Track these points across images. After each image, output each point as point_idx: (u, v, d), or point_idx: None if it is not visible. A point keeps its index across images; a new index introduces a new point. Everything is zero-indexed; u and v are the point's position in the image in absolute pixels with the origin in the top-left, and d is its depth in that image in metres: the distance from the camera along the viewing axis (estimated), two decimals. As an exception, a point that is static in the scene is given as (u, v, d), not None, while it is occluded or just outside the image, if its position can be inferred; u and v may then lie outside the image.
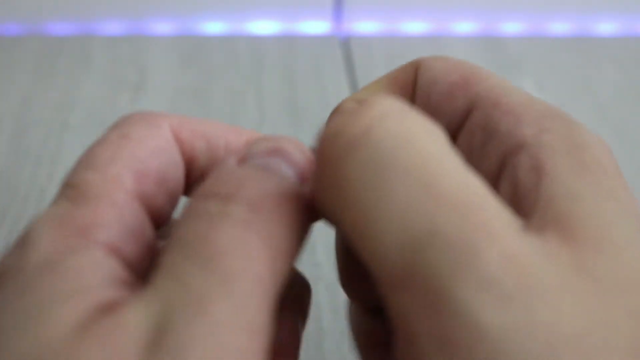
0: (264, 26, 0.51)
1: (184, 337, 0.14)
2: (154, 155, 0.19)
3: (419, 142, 0.14)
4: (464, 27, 0.53)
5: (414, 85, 0.22)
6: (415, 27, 0.52)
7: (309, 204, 0.18)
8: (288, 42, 0.50)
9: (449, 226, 0.13)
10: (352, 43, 0.50)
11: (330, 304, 0.33)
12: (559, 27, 0.53)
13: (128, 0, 0.50)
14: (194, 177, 0.21)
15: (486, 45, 0.51)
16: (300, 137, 0.42)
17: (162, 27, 0.51)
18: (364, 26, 0.52)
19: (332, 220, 0.17)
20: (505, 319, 0.13)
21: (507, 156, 0.18)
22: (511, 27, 0.53)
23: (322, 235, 0.36)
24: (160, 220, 0.19)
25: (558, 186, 0.16)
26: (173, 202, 0.20)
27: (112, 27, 0.50)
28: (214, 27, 0.51)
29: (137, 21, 0.51)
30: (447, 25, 0.52)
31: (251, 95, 0.45)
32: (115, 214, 0.17)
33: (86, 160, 0.18)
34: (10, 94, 0.44)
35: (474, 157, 0.19)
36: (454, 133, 0.20)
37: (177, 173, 0.20)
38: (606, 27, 0.53)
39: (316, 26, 0.52)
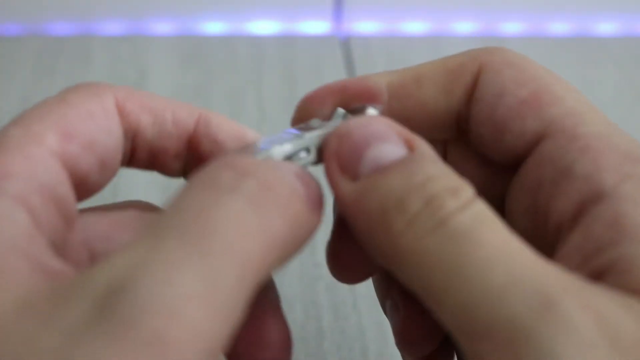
0: (264, 26, 0.51)
1: (138, 303, 0.13)
2: (85, 119, 0.19)
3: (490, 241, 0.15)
4: (464, 27, 0.53)
5: (473, 85, 0.20)
6: (415, 27, 0.52)
7: (319, 208, 0.18)
8: (288, 42, 0.50)
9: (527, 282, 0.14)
10: (352, 43, 0.50)
11: (330, 304, 0.33)
12: (559, 27, 0.53)
13: (128, 0, 0.50)
14: (141, 150, 0.21)
15: (486, 45, 0.51)
16: (300, 137, 0.42)
17: (162, 27, 0.51)
18: (364, 26, 0.52)
19: (393, 271, 0.17)
20: None
21: (585, 204, 0.17)
22: (511, 27, 0.53)
23: (322, 235, 0.36)
24: (86, 187, 0.19)
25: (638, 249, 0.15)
26: (105, 171, 0.20)
27: (112, 27, 0.50)
28: (214, 27, 0.51)
29: (137, 21, 0.51)
30: (447, 25, 0.52)
31: (251, 95, 0.45)
32: (27, 167, 0.17)
33: (17, 118, 0.18)
34: (10, 93, 0.44)
35: (543, 192, 0.18)
36: (520, 155, 0.19)
37: (110, 141, 0.19)
38: (606, 27, 0.53)
39: (316, 26, 0.52)
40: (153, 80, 0.46)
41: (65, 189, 0.18)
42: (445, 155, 0.22)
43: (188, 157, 0.22)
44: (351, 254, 0.20)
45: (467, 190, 0.16)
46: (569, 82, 0.20)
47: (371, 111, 0.21)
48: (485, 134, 0.20)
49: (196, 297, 0.13)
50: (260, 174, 0.16)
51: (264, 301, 0.20)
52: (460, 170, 0.18)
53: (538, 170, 0.18)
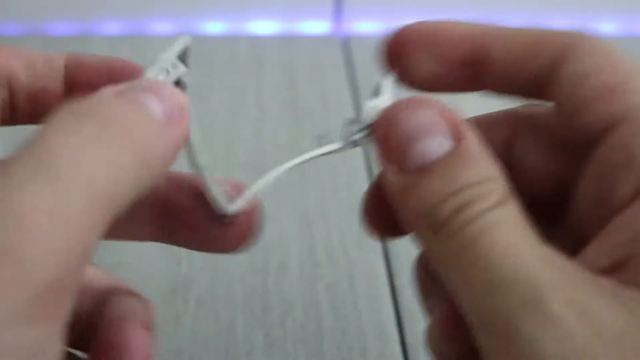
0: (264, 26, 0.51)
1: None
2: None
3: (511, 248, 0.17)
4: (464, 27, 0.53)
5: (561, 57, 0.21)
6: (415, 27, 0.52)
7: (179, 119, 0.19)
8: (288, 42, 0.50)
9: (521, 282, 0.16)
10: (352, 43, 0.50)
11: (330, 304, 0.33)
12: (559, 27, 0.53)
13: (128, 0, 0.50)
14: (20, 97, 0.22)
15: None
16: (300, 137, 0.42)
17: (162, 27, 0.51)
18: (364, 26, 0.52)
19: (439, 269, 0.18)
20: (564, 352, 0.15)
21: (638, 194, 0.17)
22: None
23: (322, 235, 0.36)
24: None
25: None
26: None
27: (112, 27, 0.50)
28: (214, 27, 0.51)
29: (137, 21, 0.50)
30: (447, 25, 0.52)
31: (251, 95, 0.45)
32: None
33: None
34: (10, 94, 0.44)
35: (608, 178, 0.19)
36: (592, 139, 0.19)
37: None
38: (606, 27, 0.53)
39: (316, 26, 0.52)
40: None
41: None
42: (515, 134, 0.23)
43: (67, 97, 0.22)
44: (383, 213, 0.21)
45: (497, 192, 0.17)
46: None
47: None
48: (564, 110, 0.20)
49: (47, 212, 0.14)
50: (98, 114, 0.17)
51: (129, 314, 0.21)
52: (528, 150, 0.20)
53: (606, 156, 0.19)
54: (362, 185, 0.39)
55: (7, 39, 0.49)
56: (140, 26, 0.51)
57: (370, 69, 0.50)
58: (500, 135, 0.22)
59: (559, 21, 0.53)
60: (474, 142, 0.18)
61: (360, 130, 0.20)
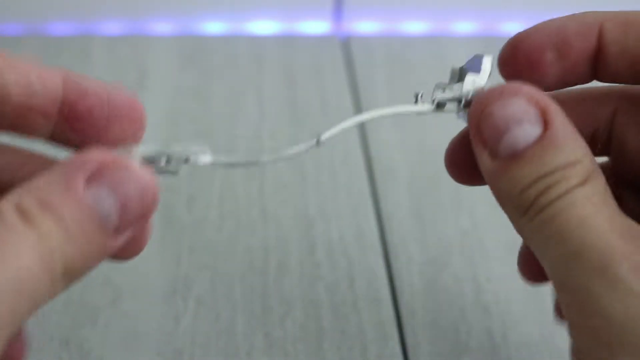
0: (264, 26, 0.51)
1: None
2: None
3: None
4: (464, 27, 0.53)
5: None
6: (415, 27, 0.52)
7: (118, 232, 0.19)
8: (288, 42, 0.50)
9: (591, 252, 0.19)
10: (352, 43, 0.50)
11: (330, 304, 0.33)
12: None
13: (128, 0, 0.50)
14: (4, 106, 0.21)
15: (486, 45, 0.51)
16: (300, 137, 0.42)
17: (162, 27, 0.51)
18: (364, 26, 0.52)
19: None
20: (629, 311, 0.18)
21: None
22: (511, 27, 0.53)
23: (322, 235, 0.36)
24: None
25: None
26: None
27: (112, 27, 0.50)
28: (214, 27, 0.51)
29: (137, 21, 0.51)
30: (447, 25, 0.52)
31: (251, 95, 0.45)
32: None
33: None
34: (10, 94, 0.44)
35: None
36: None
37: None
38: (606, 27, 0.53)
39: (316, 26, 0.52)
40: (153, 80, 0.46)
41: None
42: (619, 110, 0.24)
43: (60, 122, 0.21)
44: (467, 163, 0.23)
45: (580, 174, 0.20)
46: None
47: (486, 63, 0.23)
48: None
49: None
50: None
51: None
52: (629, 128, 0.23)
53: None
54: (362, 185, 0.39)
55: (7, 39, 0.49)
56: (140, 26, 0.51)
57: (370, 69, 0.50)
58: (606, 111, 0.24)
59: (559, 21, 0.53)
60: (560, 128, 0.20)
61: (454, 99, 0.23)
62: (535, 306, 0.33)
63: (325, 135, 0.22)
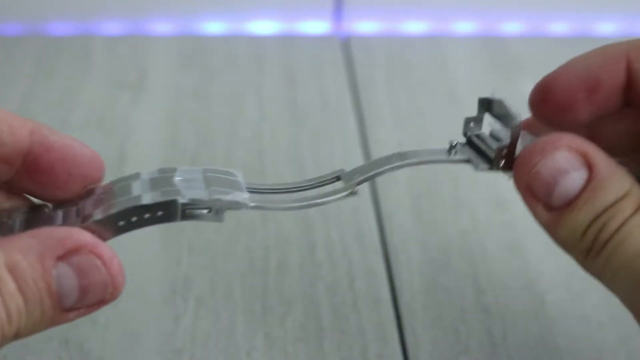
0: (264, 26, 0.51)
1: None
2: None
3: None
4: (464, 27, 0.53)
5: None
6: (415, 27, 0.52)
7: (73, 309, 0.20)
8: (288, 42, 0.50)
9: None
10: (352, 43, 0.50)
11: (330, 304, 0.33)
12: (559, 27, 0.53)
13: (128, 0, 0.50)
14: None
15: (486, 45, 0.51)
16: (300, 137, 0.42)
17: (162, 27, 0.51)
18: (364, 26, 0.52)
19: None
20: None
21: None
22: (511, 27, 0.53)
23: (322, 235, 0.36)
24: None
25: None
26: None
27: (112, 27, 0.50)
28: (214, 27, 0.51)
29: (137, 21, 0.51)
30: (447, 25, 0.52)
31: (251, 95, 0.45)
32: None
33: None
34: (11, 94, 0.44)
35: None
36: None
37: None
38: (606, 27, 0.53)
39: (316, 26, 0.52)
40: (153, 80, 0.46)
41: None
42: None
43: (21, 171, 0.22)
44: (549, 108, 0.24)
45: (631, 203, 0.21)
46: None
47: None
48: None
49: None
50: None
51: None
52: None
53: None
54: (362, 185, 0.39)
55: (7, 39, 0.49)
56: (140, 26, 0.51)
57: (370, 69, 0.50)
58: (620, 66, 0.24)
59: (559, 21, 0.53)
60: (604, 167, 0.21)
61: (489, 152, 0.24)
62: (535, 306, 0.33)
63: (358, 186, 0.24)
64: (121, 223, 0.21)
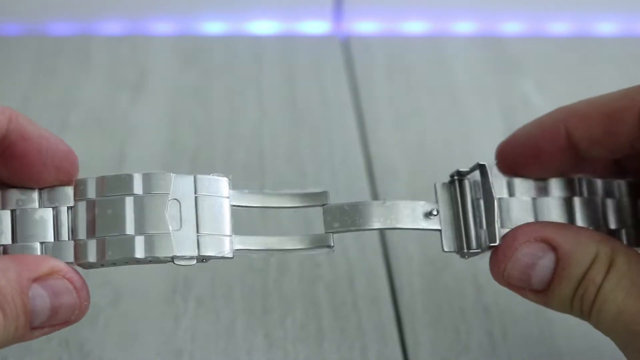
0: (264, 26, 0.51)
1: None
2: None
3: None
4: (464, 27, 0.53)
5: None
6: (415, 27, 0.52)
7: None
8: (288, 42, 0.50)
9: None
10: (352, 43, 0.50)
11: (330, 304, 0.33)
12: (559, 27, 0.53)
13: (128, 0, 0.50)
14: None
15: (486, 45, 0.51)
16: (300, 137, 0.42)
17: (162, 27, 0.51)
18: (364, 26, 0.52)
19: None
20: None
21: None
22: (511, 27, 0.53)
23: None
24: None
25: None
26: None
27: (112, 27, 0.50)
28: (214, 27, 0.51)
29: (137, 21, 0.50)
30: (447, 25, 0.52)
31: (251, 95, 0.45)
32: None
33: None
34: (10, 94, 0.44)
35: None
36: None
37: None
38: (606, 27, 0.53)
39: (316, 26, 0.52)
40: (153, 80, 0.46)
41: None
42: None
43: None
44: (516, 161, 0.27)
45: (602, 264, 0.23)
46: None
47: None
48: None
49: None
50: None
51: None
52: None
53: None
54: (362, 185, 0.39)
55: (7, 39, 0.49)
56: (140, 26, 0.51)
57: (370, 69, 0.50)
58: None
59: (559, 21, 0.53)
60: (565, 243, 0.23)
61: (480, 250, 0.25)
62: (535, 306, 0.33)
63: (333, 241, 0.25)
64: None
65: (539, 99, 0.45)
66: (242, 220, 0.36)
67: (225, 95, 0.45)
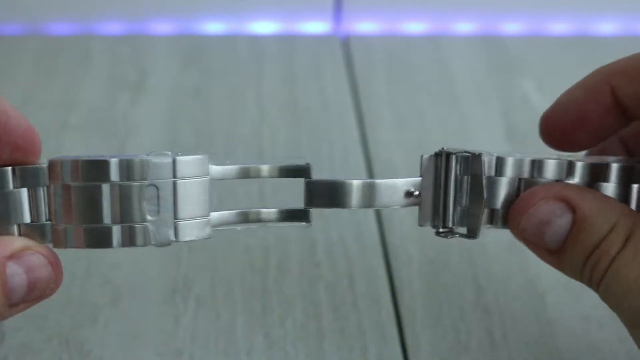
0: (264, 26, 0.51)
1: None
2: None
3: None
4: (464, 27, 0.53)
5: None
6: (415, 27, 0.52)
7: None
8: (288, 42, 0.50)
9: None
10: (352, 43, 0.50)
11: (330, 304, 0.33)
12: (559, 27, 0.53)
13: (128, 0, 0.50)
14: None
15: (486, 45, 0.51)
16: (300, 137, 0.42)
17: (162, 27, 0.51)
18: (364, 26, 0.52)
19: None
20: None
21: None
22: (511, 27, 0.53)
23: (322, 235, 0.36)
24: None
25: None
26: None
27: (112, 27, 0.50)
28: (214, 27, 0.51)
29: (137, 21, 0.51)
30: (447, 25, 0.52)
31: (251, 95, 0.45)
32: None
33: None
34: (10, 93, 0.44)
35: None
36: None
37: None
38: (606, 27, 0.53)
39: (316, 26, 0.52)
40: (153, 80, 0.46)
41: None
42: None
43: None
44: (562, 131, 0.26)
45: (620, 235, 0.22)
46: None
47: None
48: None
49: None
50: None
51: None
52: None
53: None
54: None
55: (7, 39, 0.49)
56: (140, 26, 0.51)
57: (370, 69, 0.50)
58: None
59: (559, 21, 0.53)
60: (587, 206, 0.22)
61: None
62: (535, 306, 0.33)
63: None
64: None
65: (539, 99, 0.45)
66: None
67: (225, 95, 0.45)
